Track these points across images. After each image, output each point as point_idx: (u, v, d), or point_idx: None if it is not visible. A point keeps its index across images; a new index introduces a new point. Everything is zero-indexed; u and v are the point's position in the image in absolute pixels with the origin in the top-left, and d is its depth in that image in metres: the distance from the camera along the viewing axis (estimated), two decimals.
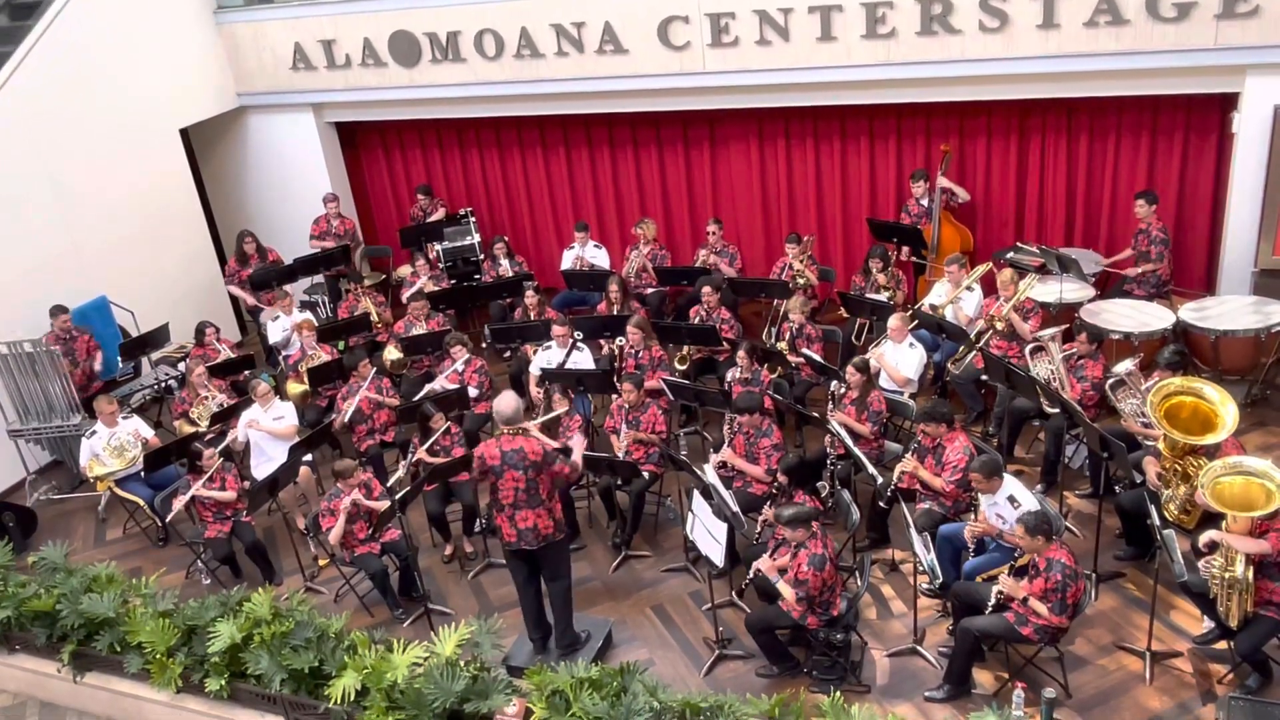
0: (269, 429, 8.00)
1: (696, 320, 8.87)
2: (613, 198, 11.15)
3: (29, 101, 9.21)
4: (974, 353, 8.02)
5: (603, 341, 9.00)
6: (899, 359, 7.92)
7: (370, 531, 6.94)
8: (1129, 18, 8.05)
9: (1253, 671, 5.62)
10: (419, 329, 9.32)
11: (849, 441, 6.73)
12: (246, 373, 8.87)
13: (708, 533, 6.14)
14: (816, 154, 10.15)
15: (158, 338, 9.69)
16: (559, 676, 5.20)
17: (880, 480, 6.67)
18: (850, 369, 7.29)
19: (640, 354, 8.34)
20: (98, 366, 9.26)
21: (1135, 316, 8.13)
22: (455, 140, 11.45)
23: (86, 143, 9.75)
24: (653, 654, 6.50)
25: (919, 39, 8.72)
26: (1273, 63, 7.86)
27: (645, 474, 7.32)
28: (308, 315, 9.87)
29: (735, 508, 6.30)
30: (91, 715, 6.63)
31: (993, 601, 5.70)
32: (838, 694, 4.97)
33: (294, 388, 8.75)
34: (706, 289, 8.82)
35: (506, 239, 10.67)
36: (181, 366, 9.41)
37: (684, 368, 8.78)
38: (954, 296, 8.40)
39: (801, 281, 9.27)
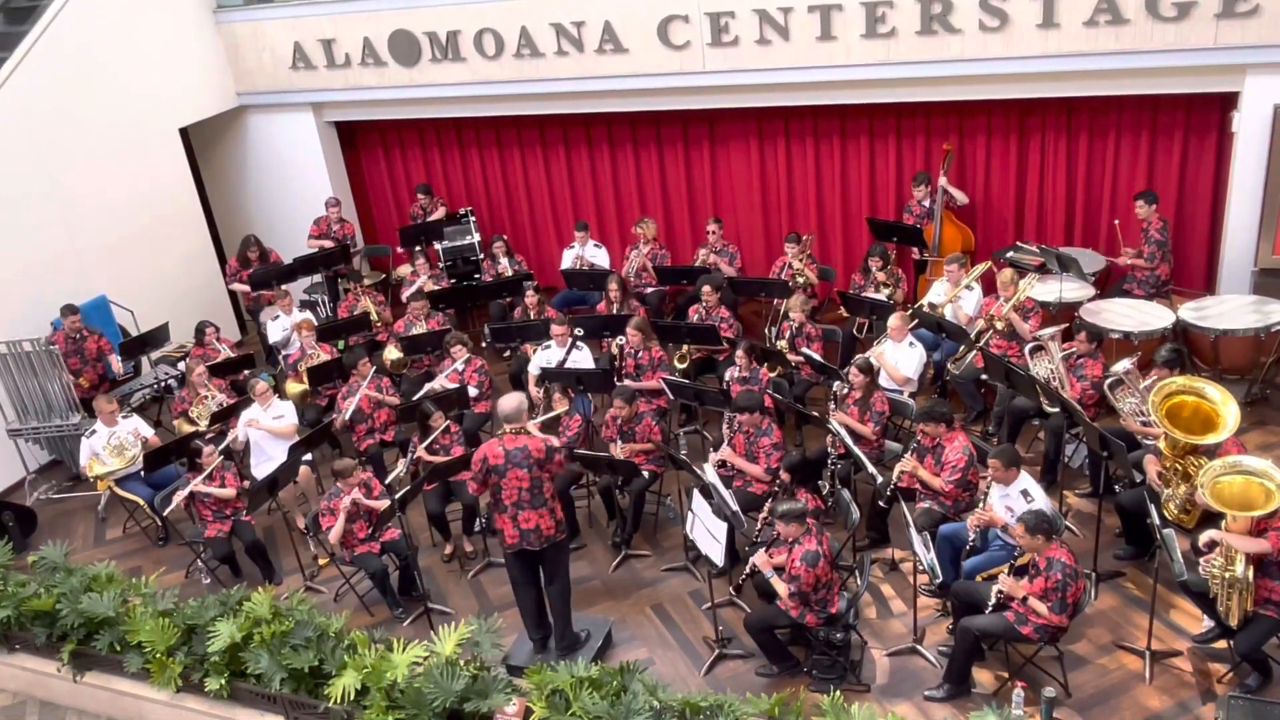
0: (269, 428, 8.00)
1: (696, 319, 8.87)
2: (612, 197, 11.15)
3: (29, 101, 9.21)
4: (974, 352, 8.03)
5: (603, 341, 9.00)
6: (899, 358, 7.91)
7: (370, 531, 6.94)
8: (1129, 17, 8.05)
9: (1252, 670, 5.61)
10: (419, 328, 9.32)
11: (849, 441, 6.73)
12: (246, 372, 8.86)
13: (707, 532, 6.14)
14: (816, 153, 10.15)
15: (158, 337, 9.70)
16: (559, 676, 5.20)
17: (880, 480, 6.67)
18: (853, 370, 7.28)
19: (640, 354, 8.34)
20: (117, 368, 9.24)
21: (1135, 316, 8.13)
22: (455, 140, 11.46)
23: (86, 142, 9.75)
24: (653, 653, 6.50)
25: (919, 38, 8.72)
26: (1273, 62, 7.86)
27: (645, 473, 7.32)
28: (307, 315, 9.87)
29: (735, 507, 6.29)
30: (91, 715, 6.62)
31: (993, 601, 5.70)
32: (837, 693, 4.96)
33: (294, 387, 8.75)
34: (706, 288, 8.82)
35: (506, 238, 10.68)
36: (181, 366, 9.41)
37: (683, 367, 8.78)
38: (953, 295, 8.41)
39: (801, 280, 9.27)
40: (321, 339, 9.26)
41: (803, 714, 5.01)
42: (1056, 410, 7.15)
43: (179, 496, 7.35)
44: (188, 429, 8.32)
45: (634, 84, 9.81)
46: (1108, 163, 9.22)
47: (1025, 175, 9.56)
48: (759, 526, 6.51)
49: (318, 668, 5.65)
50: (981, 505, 6.22)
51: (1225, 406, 6.14)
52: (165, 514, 7.60)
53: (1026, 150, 9.46)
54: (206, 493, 7.37)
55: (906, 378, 7.89)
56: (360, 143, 11.92)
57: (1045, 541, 5.53)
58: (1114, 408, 7.08)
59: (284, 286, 10.13)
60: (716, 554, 6.10)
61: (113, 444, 7.99)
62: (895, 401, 7.62)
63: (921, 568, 6.01)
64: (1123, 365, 6.99)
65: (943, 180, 9.30)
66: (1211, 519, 5.90)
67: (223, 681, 5.82)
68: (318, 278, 10.93)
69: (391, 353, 9.19)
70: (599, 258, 10.36)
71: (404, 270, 10.98)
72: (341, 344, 9.49)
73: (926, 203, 9.48)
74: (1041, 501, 6.02)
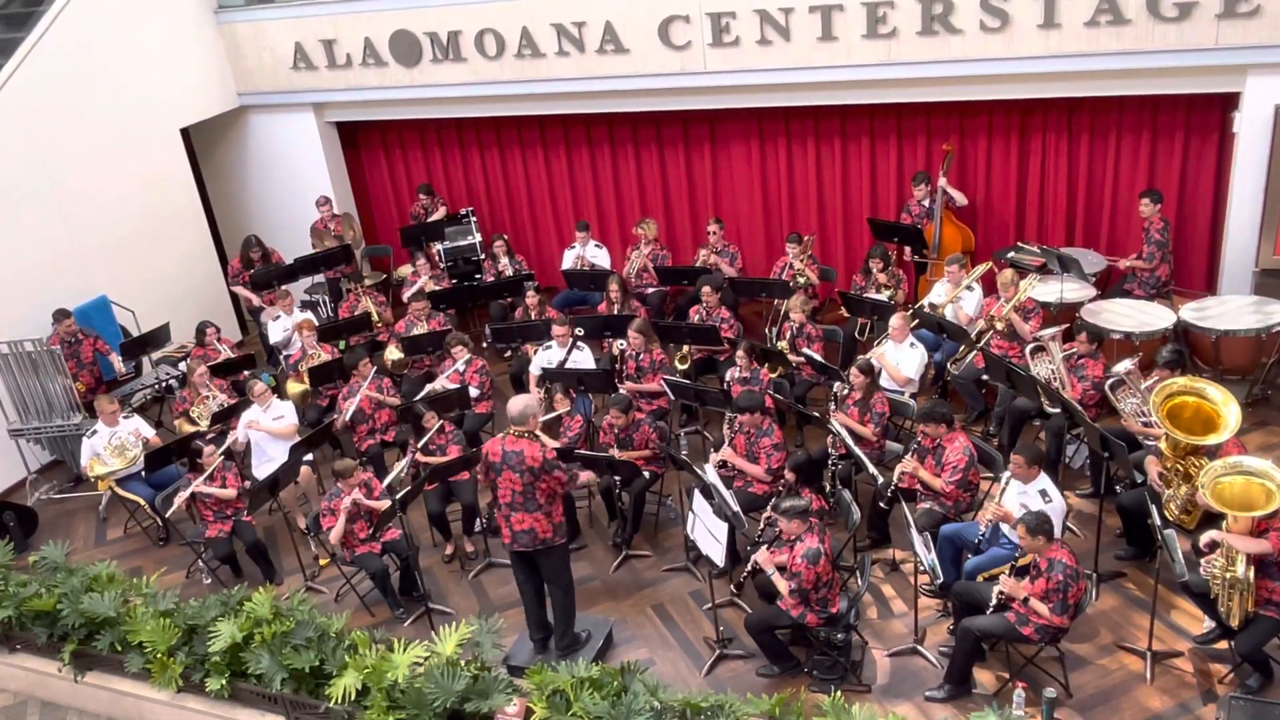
0: (269, 429, 8.00)
1: (696, 320, 8.87)
2: (613, 197, 11.15)
3: (30, 101, 9.21)
4: (974, 352, 8.02)
5: (604, 342, 9.00)
6: (900, 359, 7.91)
7: (371, 531, 6.94)
8: (1130, 17, 8.05)
9: (1253, 671, 5.61)
10: (420, 328, 9.32)
11: (850, 442, 6.73)
12: (247, 373, 8.87)
13: (708, 532, 6.14)
14: (817, 153, 10.15)
15: (158, 337, 9.71)
16: (559, 676, 5.20)
17: (881, 480, 6.67)
18: (854, 371, 7.28)
19: (641, 356, 8.34)
20: (118, 367, 9.24)
21: (1136, 316, 8.12)
22: (455, 140, 11.46)
23: (87, 142, 9.75)
24: (653, 653, 6.50)
25: (920, 38, 8.72)
26: (1273, 62, 7.86)
27: (646, 474, 7.32)
28: (308, 315, 9.87)
29: (736, 507, 6.29)
30: (92, 715, 6.63)
31: (994, 601, 5.70)
32: (838, 693, 4.97)
33: (294, 387, 8.76)
34: (707, 289, 8.82)
35: (506, 238, 10.67)
36: (182, 366, 9.41)
37: (684, 367, 8.78)
38: (954, 296, 8.41)
39: (802, 281, 9.27)
40: (322, 339, 9.26)
41: (803, 714, 5.01)
42: (1057, 411, 7.15)
43: (180, 497, 7.35)
44: (188, 429, 8.32)
45: (635, 84, 9.81)
46: (1109, 163, 9.22)
47: (1026, 175, 9.55)
48: (760, 527, 6.51)
49: (319, 668, 5.65)
50: (998, 500, 6.17)
51: (1226, 407, 6.14)
52: (166, 515, 7.60)
53: (1027, 150, 9.46)
54: (207, 493, 7.38)
55: (907, 378, 7.89)
56: (361, 143, 11.92)
57: (1046, 542, 5.53)
58: (1115, 408, 7.08)
59: (285, 287, 10.14)
60: (717, 554, 6.10)
61: (114, 444, 8.00)
62: (896, 402, 7.62)
63: (922, 568, 6.00)
64: (1124, 366, 6.99)
65: (942, 181, 9.30)
66: (1212, 519, 5.90)
67: (223, 682, 5.82)
68: (319, 278, 10.94)
69: (392, 353, 9.19)
70: (600, 258, 10.36)
71: (405, 270, 10.98)
72: (342, 344, 9.50)
73: (926, 202, 9.48)
74: (1059, 503, 6.03)
